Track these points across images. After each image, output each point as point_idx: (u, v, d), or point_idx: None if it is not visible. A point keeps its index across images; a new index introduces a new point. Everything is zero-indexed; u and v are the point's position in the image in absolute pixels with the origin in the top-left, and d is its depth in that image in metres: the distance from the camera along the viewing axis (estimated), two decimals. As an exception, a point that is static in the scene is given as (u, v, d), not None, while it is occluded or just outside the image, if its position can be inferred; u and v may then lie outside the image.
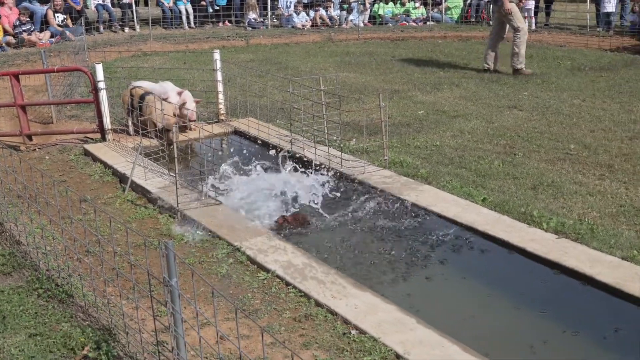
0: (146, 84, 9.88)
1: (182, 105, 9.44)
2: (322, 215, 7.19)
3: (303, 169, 7.91)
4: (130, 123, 9.76)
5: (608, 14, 16.77)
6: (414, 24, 18.37)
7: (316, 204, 7.38)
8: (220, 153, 9.51)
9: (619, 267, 5.66)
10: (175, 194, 7.15)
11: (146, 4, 19.17)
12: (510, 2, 12.99)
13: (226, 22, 18.60)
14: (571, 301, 5.60)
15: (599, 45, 15.45)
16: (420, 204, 7.14)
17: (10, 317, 5.14)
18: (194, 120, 9.55)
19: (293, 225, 7.06)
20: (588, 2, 17.51)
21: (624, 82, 12.08)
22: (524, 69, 13.27)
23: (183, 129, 9.57)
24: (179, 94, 9.68)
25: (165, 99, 9.35)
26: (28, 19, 16.12)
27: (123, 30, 17.74)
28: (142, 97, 9.40)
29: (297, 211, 7.34)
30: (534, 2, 17.53)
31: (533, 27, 17.59)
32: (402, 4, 18.79)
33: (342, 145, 8.57)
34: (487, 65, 13.91)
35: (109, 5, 17.72)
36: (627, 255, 5.82)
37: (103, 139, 9.53)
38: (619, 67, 13.31)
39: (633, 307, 5.26)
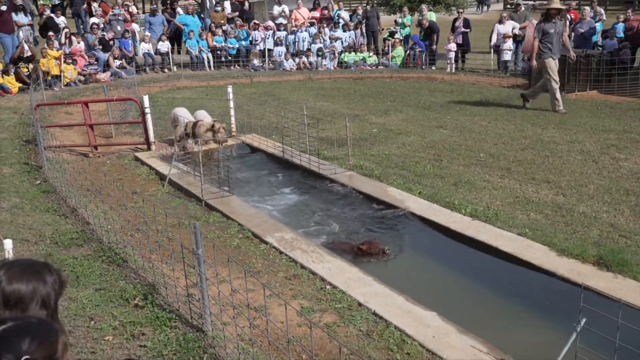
0: (184, 112, 9.64)
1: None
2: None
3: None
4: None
5: (506, 61, 16.82)
6: (369, 68, 18.34)
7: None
8: (231, 159, 9.46)
9: (516, 240, 5.67)
10: (200, 188, 7.09)
11: (179, 53, 19.02)
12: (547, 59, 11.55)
13: (236, 65, 18.47)
14: (482, 264, 5.61)
15: (499, 83, 15.52)
16: (375, 195, 7.12)
17: (82, 277, 5.08)
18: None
19: (368, 254, 5.71)
20: (492, 53, 17.56)
21: (517, 109, 12.11)
22: (527, 104, 12.08)
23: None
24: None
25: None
26: (95, 62, 15.94)
27: (163, 71, 17.56)
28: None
29: (371, 240, 5.97)
30: (454, 53, 17.54)
31: (453, 70, 17.61)
32: (361, 53, 18.76)
33: (319, 153, 8.52)
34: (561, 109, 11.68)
35: (152, 53, 17.56)
36: (521, 232, 5.82)
37: (148, 148, 9.45)
38: (514, 99, 13.34)
39: (526, 268, 5.28)
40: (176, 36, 18.78)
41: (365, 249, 5.75)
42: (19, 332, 1.58)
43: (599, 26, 16.60)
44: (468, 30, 17.83)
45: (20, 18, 16.40)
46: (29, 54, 15.35)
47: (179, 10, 19.18)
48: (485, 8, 36.02)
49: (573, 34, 16.54)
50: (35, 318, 1.72)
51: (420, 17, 18.70)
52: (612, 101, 12.62)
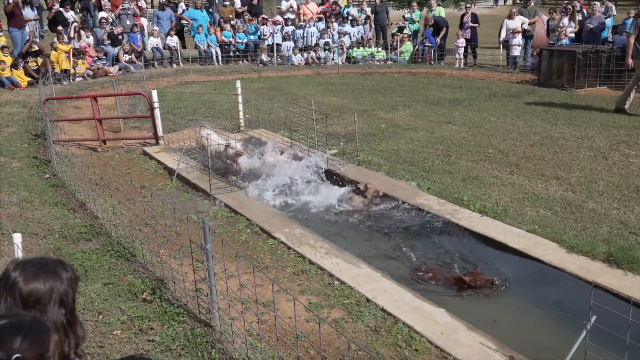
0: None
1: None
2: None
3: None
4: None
5: (515, 57, 16.71)
6: (377, 63, 18.27)
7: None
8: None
9: (525, 237, 5.64)
10: (209, 182, 7.08)
11: (184, 47, 19.01)
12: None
13: (244, 60, 18.45)
14: (492, 260, 5.57)
15: (509, 79, 15.42)
16: (384, 190, 7.09)
17: (90, 271, 5.09)
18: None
19: (473, 288, 4.93)
20: (501, 48, 17.46)
21: (526, 105, 12.05)
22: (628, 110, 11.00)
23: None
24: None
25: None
26: (104, 56, 15.97)
27: (171, 66, 17.57)
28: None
29: (476, 270, 5.09)
30: (463, 48, 17.44)
31: (462, 65, 17.51)
32: (369, 48, 18.69)
33: (327, 149, 8.50)
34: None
35: (161, 48, 17.56)
36: (530, 229, 5.79)
37: (157, 143, 9.45)
38: (523, 95, 13.28)
39: (534, 264, 5.25)
40: (180, 31, 18.78)
41: (469, 281, 4.94)
42: (11, 331, 1.56)
43: (609, 22, 16.44)
44: (476, 25, 17.72)
45: (27, 12, 16.43)
46: (37, 48, 15.38)
47: (182, 5, 19.17)
48: (501, 2, 35.82)
49: (583, 29, 16.42)
50: (28, 316, 1.68)
51: (427, 15, 18.61)
52: (622, 97, 12.51)
